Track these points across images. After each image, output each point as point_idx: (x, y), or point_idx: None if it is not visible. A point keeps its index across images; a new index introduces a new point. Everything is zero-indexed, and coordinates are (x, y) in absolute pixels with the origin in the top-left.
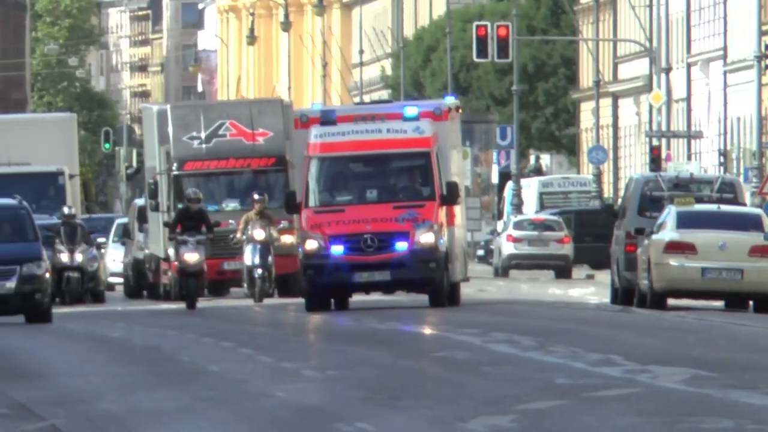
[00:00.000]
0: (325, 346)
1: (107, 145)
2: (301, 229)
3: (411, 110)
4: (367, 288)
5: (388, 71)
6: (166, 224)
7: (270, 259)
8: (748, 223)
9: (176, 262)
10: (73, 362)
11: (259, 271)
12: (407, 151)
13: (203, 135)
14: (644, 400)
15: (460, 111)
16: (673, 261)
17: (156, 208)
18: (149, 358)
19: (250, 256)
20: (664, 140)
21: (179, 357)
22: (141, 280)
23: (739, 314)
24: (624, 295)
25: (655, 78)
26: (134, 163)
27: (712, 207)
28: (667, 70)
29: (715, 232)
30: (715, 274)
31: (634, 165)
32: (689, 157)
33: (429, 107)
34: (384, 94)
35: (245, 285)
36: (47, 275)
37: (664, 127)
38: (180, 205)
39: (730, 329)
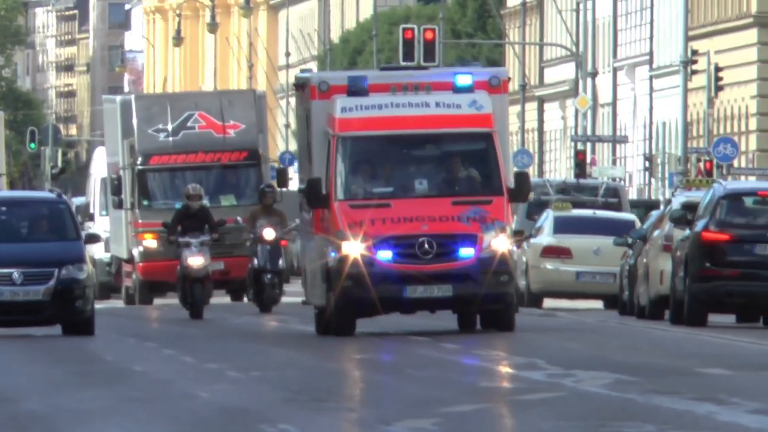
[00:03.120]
0: (248, 347)
1: (33, 145)
2: (334, 227)
3: (464, 79)
4: (423, 305)
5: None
6: (164, 225)
7: (281, 262)
8: (622, 228)
9: (178, 267)
10: None
11: (269, 276)
12: (464, 131)
13: (170, 127)
14: (567, 404)
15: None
16: (549, 264)
17: (119, 205)
18: (74, 358)
19: (258, 259)
20: (589, 145)
21: (104, 357)
22: None
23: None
24: None
25: (581, 82)
26: (59, 163)
27: (587, 212)
28: (593, 75)
29: (590, 237)
30: (590, 277)
31: (559, 169)
32: (614, 162)
33: (483, 75)
34: None
35: (249, 291)
36: (91, 279)
37: (589, 132)
38: (145, 202)
39: (652, 334)
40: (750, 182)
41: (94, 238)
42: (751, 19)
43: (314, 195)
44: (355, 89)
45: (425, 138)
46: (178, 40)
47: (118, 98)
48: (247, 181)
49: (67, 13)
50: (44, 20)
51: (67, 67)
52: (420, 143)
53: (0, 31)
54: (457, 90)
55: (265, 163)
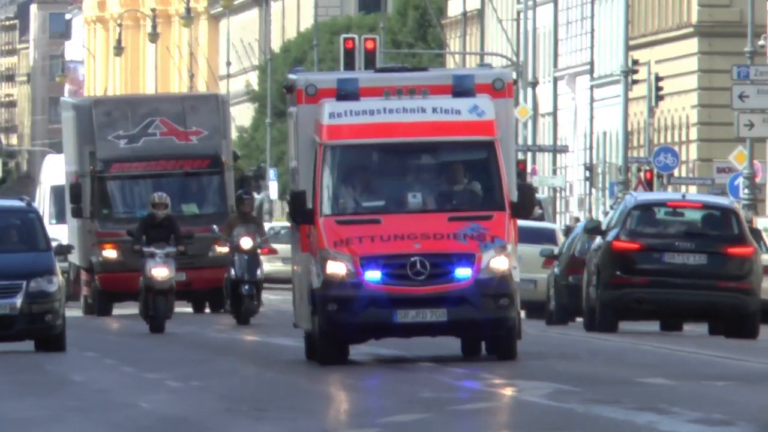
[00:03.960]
0: (189, 357)
1: None
2: (319, 245)
3: (464, 81)
4: (415, 331)
5: (254, 83)
6: (129, 233)
7: (259, 272)
8: (542, 236)
9: (141, 278)
10: None
11: (247, 287)
12: (464, 140)
13: (131, 133)
14: (508, 413)
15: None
16: None
17: (78, 214)
18: (14, 368)
19: (234, 269)
20: (530, 154)
21: (44, 367)
22: None
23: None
24: None
25: (521, 92)
26: (0, 173)
27: None
28: (534, 84)
29: None
30: None
31: None
32: (555, 172)
33: (486, 77)
34: (250, 106)
35: (226, 302)
36: (61, 292)
37: (530, 141)
38: (105, 211)
39: (593, 344)
40: (660, 193)
41: (65, 249)
42: (691, 29)
43: (298, 210)
44: (345, 93)
45: (420, 147)
46: (118, 49)
47: (75, 101)
48: (209, 189)
49: (7, 23)
50: None
51: (7, 77)
52: (415, 153)
53: None
54: (457, 94)
55: (228, 171)
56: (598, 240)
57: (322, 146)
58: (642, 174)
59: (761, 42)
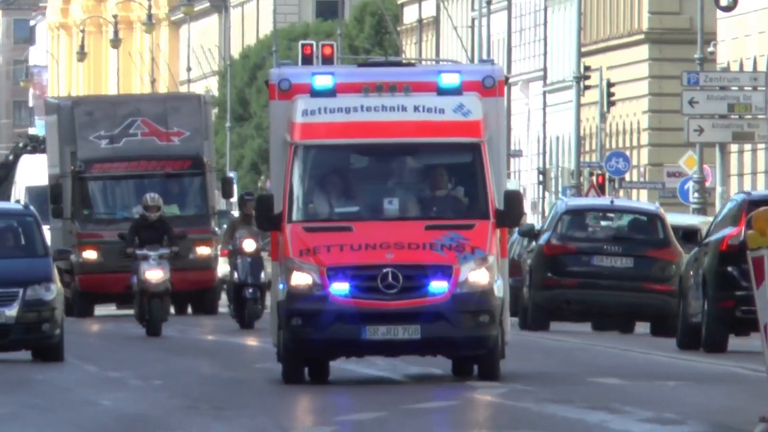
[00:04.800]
0: (150, 356)
1: None
2: (285, 254)
3: (450, 78)
4: (385, 349)
5: (214, 89)
6: (121, 236)
7: (263, 275)
8: None
9: (135, 281)
10: None
11: (251, 290)
12: (446, 142)
13: (112, 134)
14: (462, 412)
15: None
16: None
17: (59, 214)
18: None
19: (237, 272)
20: None
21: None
22: None
23: None
24: None
25: None
26: None
27: None
28: None
29: None
30: None
31: None
32: (509, 176)
33: (474, 75)
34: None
35: (230, 306)
36: (59, 300)
37: None
38: (86, 212)
39: (546, 344)
40: (591, 199)
41: (63, 255)
42: (642, 36)
43: (263, 215)
44: (320, 89)
45: (400, 148)
46: (81, 55)
47: (57, 101)
48: (191, 191)
49: None
50: None
51: None
52: (394, 155)
53: None
54: (442, 92)
55: (210, 172)
56: (533, 243)
57: (293, 146)
58: (594, 178)
59: (710, 49)
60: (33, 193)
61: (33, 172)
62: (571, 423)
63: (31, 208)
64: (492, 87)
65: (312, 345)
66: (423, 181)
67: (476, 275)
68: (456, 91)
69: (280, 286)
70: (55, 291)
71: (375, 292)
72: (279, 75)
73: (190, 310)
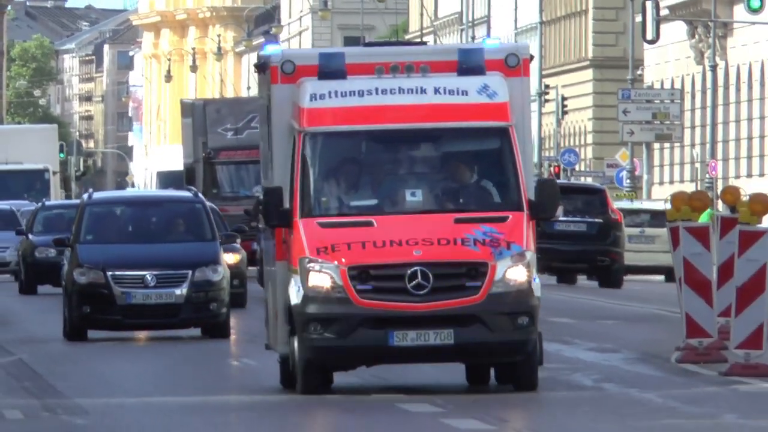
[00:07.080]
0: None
1: (62, 155)
2: (299, 253)
3: (472, 56)
4: (415, 356)
5: None
6: (246, 212)
7: None
8: None
9: (257, 248)
10: None
11: None
12: (472, 126)
13: (236, 126)
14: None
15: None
16: None
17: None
18: None
19: None
20: None
21: None
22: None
23: None
24: None
25: None
26: (81, 167)
27: None
28: None
29: None
30: None
31: None
32: None
33: (497, 53)
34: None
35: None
36: (226, 281)
37: None
38: (214, 191)
39: None
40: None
41: (231, 238)
42: (588, 62)
43: (272, 210)
44: (329, 70)
45: (420, 134)
46: (168, 77)
47: (191, 101)
48: None
49: (87, 58)
50: (70, 63)
51: (87, 97)
52: (413, 141)
53: (38, 71)
54: (464, 71)
55: None
56: None
57: (301, 134)
58: (552, 169)
59: (639, 72)
60: (162, 176)
61: (163, 160)
62: None
63: (200, 195)
64: (516, 66)
65: (333, 353)
66: (447, 171)
67: (513, 273)
68: (479, 71)
69: (294, 289)
70: (222, 273)
71: (403, 294)
72: (282, 57)
73: None
